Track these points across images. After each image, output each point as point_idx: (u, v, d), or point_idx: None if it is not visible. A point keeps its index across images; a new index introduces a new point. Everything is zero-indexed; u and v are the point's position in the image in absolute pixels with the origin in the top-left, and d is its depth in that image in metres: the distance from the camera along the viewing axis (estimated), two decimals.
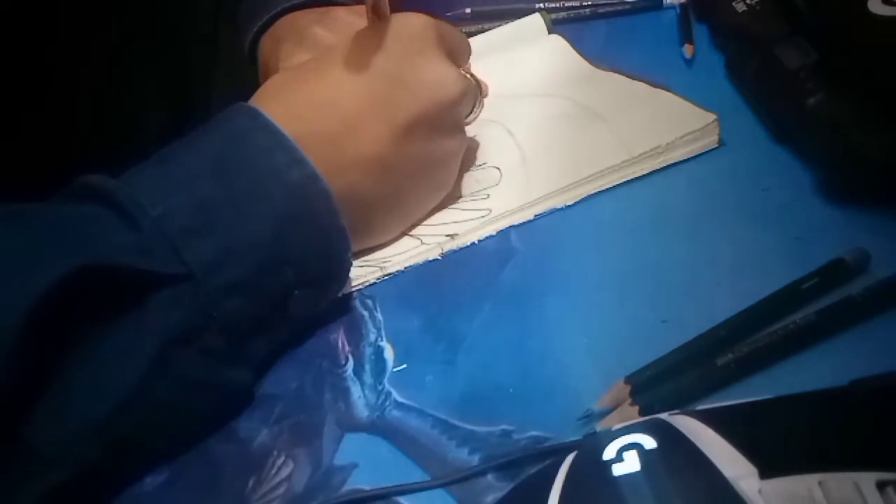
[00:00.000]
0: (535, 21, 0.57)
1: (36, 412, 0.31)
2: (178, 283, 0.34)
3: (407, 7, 0.64)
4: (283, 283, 0.37)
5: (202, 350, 0.35)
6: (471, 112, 0.46)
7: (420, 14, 0.43)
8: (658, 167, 0.43)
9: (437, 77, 0.41)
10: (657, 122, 0.44)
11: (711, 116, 0.43)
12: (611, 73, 0.51)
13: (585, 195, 0.43)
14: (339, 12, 0.53)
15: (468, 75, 0.45)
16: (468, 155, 0.47)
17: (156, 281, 0.34)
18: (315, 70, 0.42)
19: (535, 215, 0.43)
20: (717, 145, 0.43)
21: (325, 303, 0.40)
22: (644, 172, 0.43)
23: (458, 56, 0.45)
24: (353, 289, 0.42)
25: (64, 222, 0.35)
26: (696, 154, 0.43)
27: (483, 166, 0.47)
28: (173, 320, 0.34)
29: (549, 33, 0.57)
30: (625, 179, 0.43)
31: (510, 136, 0.48)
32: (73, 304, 0.31)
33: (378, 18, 0.42)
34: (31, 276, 0.31)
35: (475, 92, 0.45)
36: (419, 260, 0.42)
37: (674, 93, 0.46)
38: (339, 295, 0.41)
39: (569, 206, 0.42)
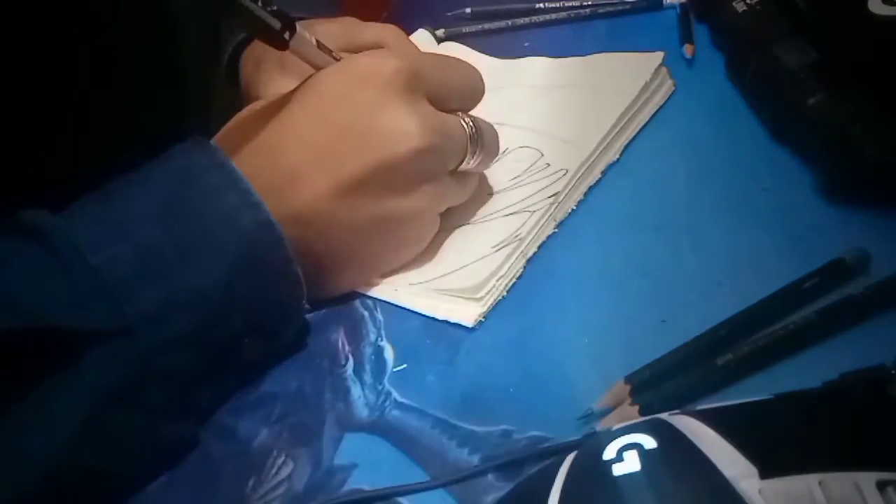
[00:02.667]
0: (424, 36, 0.59)
1: None
2: (116, 339, 0.32)
3: (406, 9, 0.65)
4: (231, 332, 0.36)
5: (139, 407, 0.34)
6: (464, 161, 0.41)
7: (396, 56, 0.39)
8: (646, 119, 0.46)
9: (395, 129, 0.37)
10: (616, 80, 0.47)
11: (657, 56, 0.47)
12: (534, 59, 0.54)
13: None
14: (320, 27, 0.50)
15: (465, 121, 0.41)
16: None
17: (91, 337, 0.32)
18: (273, 110, 0.39)
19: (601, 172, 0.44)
20: (674, 87, 0.47)
21: (281, 348, 0.39)
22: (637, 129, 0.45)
23: (452, 99, 0.41)
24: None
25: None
26: (664, 100, 0.47)
27: (507, 153, 0.47)
28: (108, 378, 0.32)
29: (438, 43, 0.60)
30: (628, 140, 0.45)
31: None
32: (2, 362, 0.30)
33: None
34: None
35: (463, 140, 0.40)
36: (542, 237, 0.41)
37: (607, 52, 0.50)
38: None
39: (576, 205, 0.42)
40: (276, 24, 0.37)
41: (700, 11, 0.52)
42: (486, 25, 0.61)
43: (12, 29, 0.42)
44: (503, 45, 0.58)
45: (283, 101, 0.39)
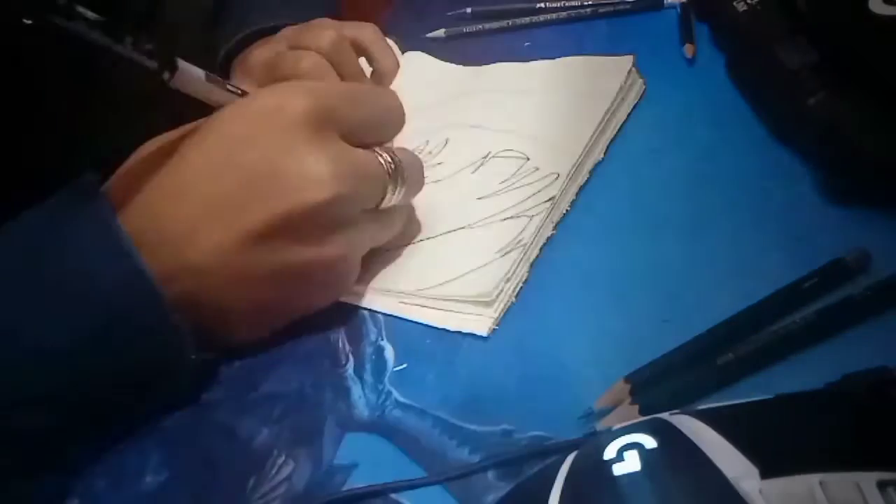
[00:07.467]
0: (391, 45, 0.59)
1: None
2: None
3: (406, 9, 0.65)
4: (100, 392, 0.34)
5: None
6: (384, 199, 0.39)
7: (303, 91, 0.36)
8: (623, 118, 0.46)
9: (303, 175, 0.34)
10: (590, 83, 0.48)
11: (628, 58, 0.48)
12: (501, 64, 0.55)
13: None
14: (285, 37, 0.51)
15: (382, 157, 0.38)
16: (469, 152, 0.47)
17: None
18: (170, 152, 0.36)
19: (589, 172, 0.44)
20: (644, 87, 0.48)
21: (177, 397, 0.37)
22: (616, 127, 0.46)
23: (367, 134, 0.39)
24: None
25: None
26: (637, 100, 0.47)
27: (489, 157, 0.47)
28: None
29: (403, 53, 0.60)
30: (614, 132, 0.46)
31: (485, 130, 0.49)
32: None
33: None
34: None
35: (381, 178, 0.38)
36: (542, 240, 0.41)
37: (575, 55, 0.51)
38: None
39: (569, 206, 0.42)
40: (153, 65, 0.35)
41: (700, 11, 0.52)
42: (487, 25, 0.61)
43: (11, 33, 0.42)
44: (503, 45, 0.58)
45: (182, 141, 0.37)
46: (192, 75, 0.37)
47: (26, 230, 0.34)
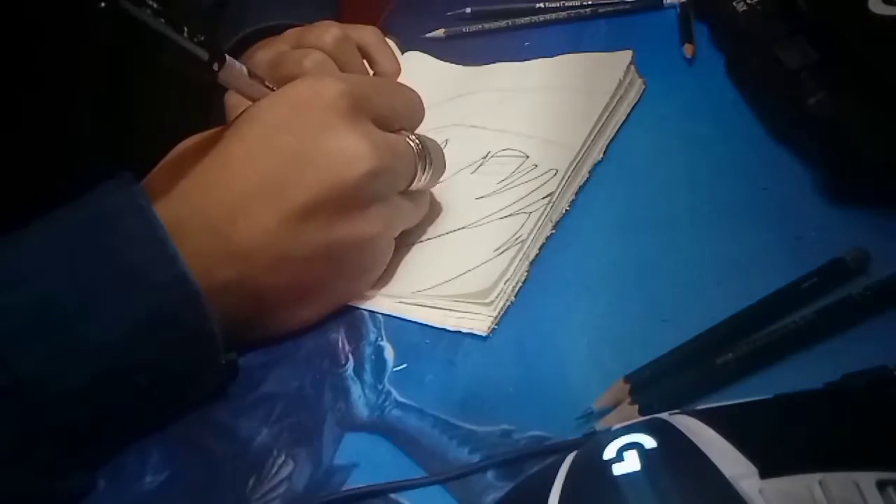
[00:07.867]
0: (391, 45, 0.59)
1: None
2: (2, 398, 0.31)
3: (406, 9, 0.65)
4: (135, 389, 0.34)
5: (26, 467, 0.32)
6: (414, 180, 0.40)
7: (336, 79, 0.38)
8: (622, 118, 0.46)
9: (344, 152, 0.36)
10: (589, 80, 0.48)
11: (627, 53, 0.48)
12: (501, 64, 0.55)
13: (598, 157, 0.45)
14: (288, 37, 0.51)
15: (411, 140, 0.40)
16: (461, 157, 0.47)
17: None
18: (210, 144, 0.37)
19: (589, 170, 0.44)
20: (644, 86, 0.48)
21: (196, 398, 0.38)
22: (617, 124, 0.46)
23: (395, 121, 0.40)
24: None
25: None
26: (637, 99, 0.47)
27: (489, 157, 0.47)
28: None
29: (402, 53, 0.60)
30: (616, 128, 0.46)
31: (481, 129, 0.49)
32: None
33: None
34: None
35: (412, 158, 0.39)
36: (541, 238, 0.40)
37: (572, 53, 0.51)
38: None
39: (569, 206, 0.42)
40: (204, 56, 0.35)
41: (700, 11, 0.52)
42: (486, 25, 0.61)
43: (11, 30, 0.42)
44: (503, 45, 0.58)
45: (220, 134, 0.38)
46: (236, 69, 0.38)
47: (68, 226, 0.34)
